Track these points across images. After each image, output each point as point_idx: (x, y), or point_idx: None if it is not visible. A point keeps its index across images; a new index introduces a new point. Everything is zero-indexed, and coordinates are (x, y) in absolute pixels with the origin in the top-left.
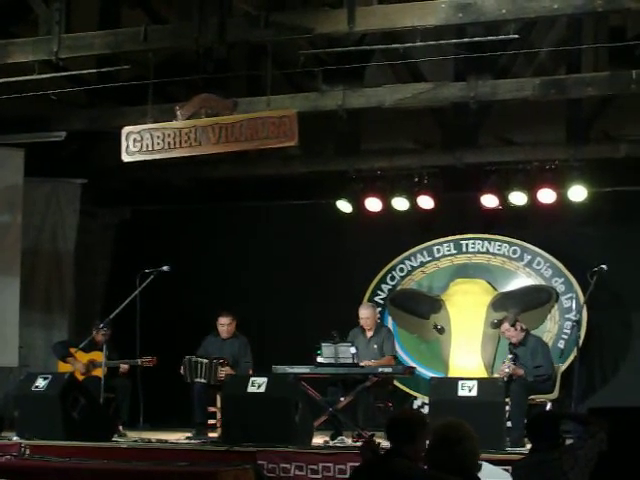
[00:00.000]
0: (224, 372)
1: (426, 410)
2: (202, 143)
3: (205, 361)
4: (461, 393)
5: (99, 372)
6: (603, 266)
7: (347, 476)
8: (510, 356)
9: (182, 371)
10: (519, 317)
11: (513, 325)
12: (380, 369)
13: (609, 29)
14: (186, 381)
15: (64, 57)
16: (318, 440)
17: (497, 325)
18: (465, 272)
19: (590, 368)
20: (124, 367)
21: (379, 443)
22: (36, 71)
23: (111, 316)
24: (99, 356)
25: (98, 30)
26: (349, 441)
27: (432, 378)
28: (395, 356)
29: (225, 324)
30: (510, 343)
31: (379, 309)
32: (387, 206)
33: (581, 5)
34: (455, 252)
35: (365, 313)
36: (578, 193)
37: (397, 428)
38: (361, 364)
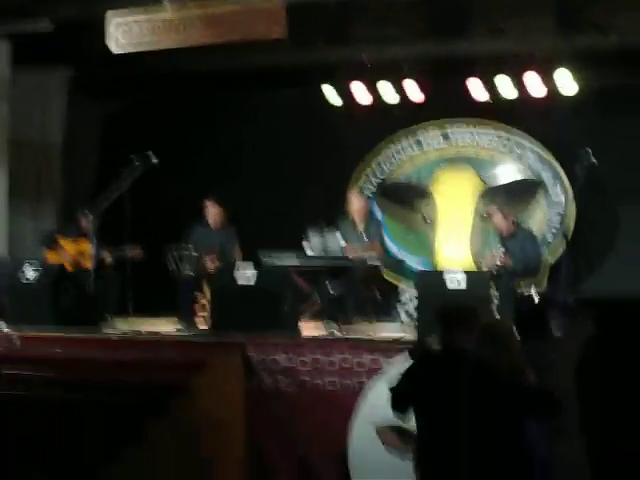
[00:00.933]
0: (211, 262)
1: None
2: (191, 34)
3: (191, 253)
4: (450, 286)
5: (87, 263)
6: (592, 159)
7: (336, 367)
8: (500, 248)
9: (168, 263)
10: (508, 209)
11: (503, 216)
12: (369, 260)
13: None
14: (174, 274)
15: None
16: (308, 332)
17: (486, 218)
18: (454, 163)
19: (577, 260)
20: (110, 257)
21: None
22: None
23: (97, 204)
24: (87, 246)
25: None
26: (338, 333)
27: (419, 272)
28: (382, 247)
29: (215, 212)
30: (500, 235)
31: (370, 201)
32: (376, 96)
33: None
34: (444, 145)
35: (357, 203)
36: (568, 85)
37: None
38: (349, 254)
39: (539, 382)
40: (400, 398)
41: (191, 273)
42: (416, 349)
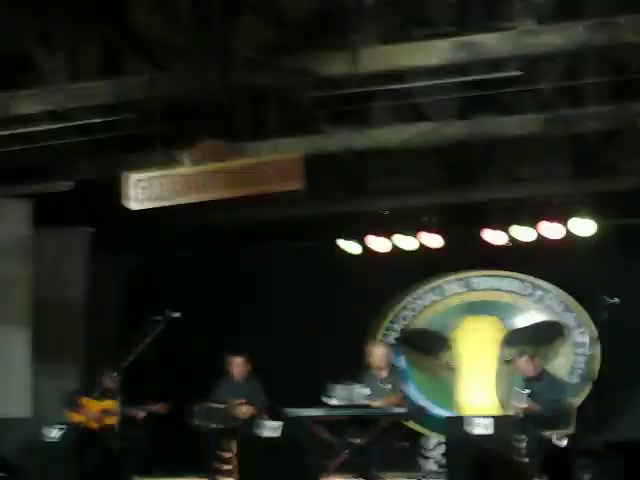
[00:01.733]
0: (244, 412)
1: (442, 449)
2: (209, 188)
3: (218, 406)
4: (476, 431)
5: (112, 420)
6: (615, 299)
7: None
8: (526, 391)
9: (193, 420)
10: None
11: (529, 359)
12: (393, 409)
13: (611, 62)
14: (202, 429)
15: (70, 107)
16: None
17: (510, 362)
18: (474, 310)
19: (604, 402)
20: (140, 414)
21: None
22: (42, 122)
23: (121, 363)
24: (111, 404)
25: (102, 79)
26: None
27: (447, 417)
28: (404, 396)
29: (238, 364)
30: (525, 379)
31: (392, 350)
32: (393, 245)
33: (583, 41)
34: (465, 289)
35: (379, 352)
36: (585, 227)
37: None
38: (372, 404)
39: None
40: None
41: (219, 426)
42: None
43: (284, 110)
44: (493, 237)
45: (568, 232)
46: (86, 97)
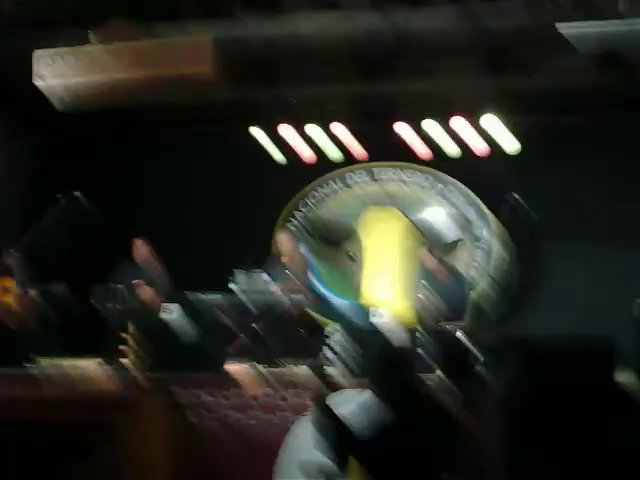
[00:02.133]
0: (144, 294)
1: (339, 338)
2: (116, 68)
3: (118, 286)
4: (375, 320)
5: (10, 298)
6: (515, 196)
7: (257, 402)
8: (424, 283)
9: (94, 301)
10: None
11: (431, 254)
12: (293, 297)
13: None
14: (100, 309)
15: None
16: (232, 367)
17: (412, 254)
18: (378, 200)
19: (500, 297)
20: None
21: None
22: None
23: (22, 241)
24: (9, 282)
25: None
26: (261, 368)
27: (347, 306)
28: (307, 283)
29: (141, 246)
30: (426, 272)
31: (297, 240)
32: (301, 133)
33: None
34: (367, 179)
35: (282, 239)
36: (491, 123)
37: None
38: (272, 290)
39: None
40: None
41: (118, 307)
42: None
43: None
44: (400, 129)
45: (476, 129)
46: None
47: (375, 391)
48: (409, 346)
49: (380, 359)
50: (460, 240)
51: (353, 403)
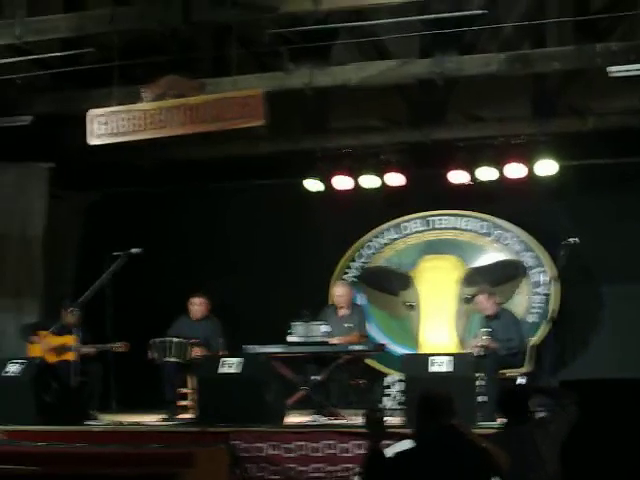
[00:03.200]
0: (197, 352)
1: (399, 387)
2: (169, 125)
3: (175, 340)
4: (433, 369)
5: (70, 356)
6: (573, 239)
7: (320, 454)
8: (484, 330)
9: (150, 354)
10: (492, 290)
11: (488, 297)
12: (351, 347)
13: (573, 2)
14: (156, 362)
15: (29, 41)
16: (293, 419)
17: (469, 300)
18: (434, 248)
19: (561, 342)
20: (98, 351)
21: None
22: (1, 55)
23: (81, 298)
24: (70, 340)
25: (63, 13)
26: (323, 419)
27: (404, 355)
28: (365, 334)
29: (197, 304)
30: (484, 317)
31: (353, 288)
32: (356, 184)
33: None
34: (423, 229)
35: (339, 291)
36: (546, 167)
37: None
38: (331, 342)
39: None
40: None
41: (175, 360)
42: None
43: (246, 46)
44: (455, 177)
45: (530, 172)
46: (45, 31)
47: (418, 438)
48: (446, 393)
49: (418, 407)
50: (518, 285)
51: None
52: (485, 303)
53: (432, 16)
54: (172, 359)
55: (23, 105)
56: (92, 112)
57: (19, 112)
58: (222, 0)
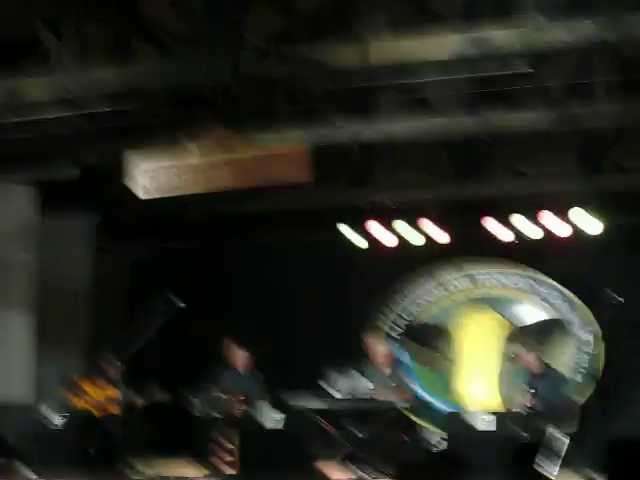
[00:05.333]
0: (241, 408)
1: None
2: (217, 179)
3: (225, 396)
4: (480, 427)
5: (115, 408)
6: (619, 298)
7: None
8: (531, 390)
9: (196, 407)
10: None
11: (534, 356)
12: (397, 403)
13: (622, 60)
14: (203, 419)
15: (78, 94)
16: (337, 476)
17: (515, 358)
18: (480, 304)
19: (607, 401)
20: (136, 404)
21: None
22: (50, 109)
23: (128, 352)
24: (114, 392)
25: (110, 65)
26: (367, 477)
27: (450, 413)
28: (408, 386)
29: (244, 357)
30: (529, 376)
31: (396, 344)
32: (398, 238)
33: (593, 37)
34: (470, 285)
35: (381, 349)
36: (592, 225)
37: None
38: (378, 398)
39: None
40: None
41: (218, 415)
42: None
43: (293, 101)
44: (499, 232)
45: (574, 230)
46: (95, 84)
47: None
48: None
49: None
50: (564, 345)
51: None
52: (530, 362)
53: (479, 73)
54: (216, 415)
55: (71, 158)
56: (142, 167)
57: (67, 165)
58: (270, 54)
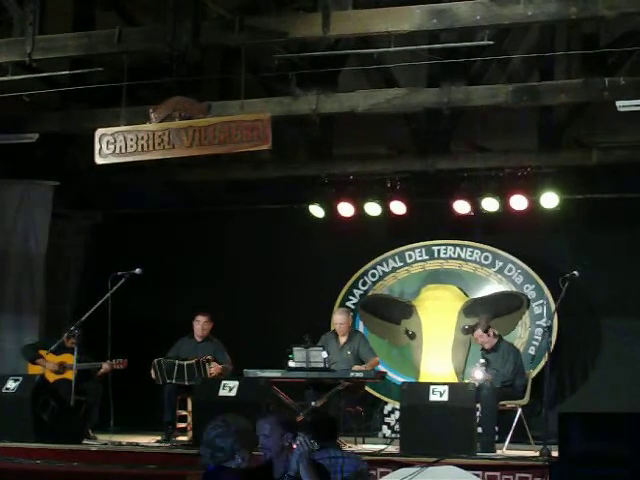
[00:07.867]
0: (212, 371)
1: (397, 415)
2: (175, 146)
3: (180, 362)
4: (432, 398)
5: (70, 375)
6: (575, 272)
7: None
8: (482, 361)
9: (153, 374)
10: (491, 323)
11: (486, 331)
12: (351, 374)
13: (582, 36)
14: (157, 383)
15: (37, 58)
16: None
17: (468, 331)
18: (437, 278)
19: (560, 374)
20: (105, 368)
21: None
22: (9, 72)
23: (82, 318)
24: (70, 358)
25: (72, 32)
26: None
27: (403, 383)
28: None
29: (202, 321)
30: (482, 349)
31: (351, 314)
32: (359, 211)
33: (555, 12)
34: (427, 258)
35: (339, 318)
36: (550, 200)
37: None
38: (353, 368)
39: None
40: None
41: (176, 383)
42: None
43: (253, 70)
44: (458, 207)
45: (532, 204)
46: (54, 49)
47: None
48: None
49: None
50: (520, 318)
51: None
52: (482, 337)
53: (440, 45)
54: (171, 381)
55: (29, 122)
56: (99, 131)
57: (25, 129)
58: (232, 24)
